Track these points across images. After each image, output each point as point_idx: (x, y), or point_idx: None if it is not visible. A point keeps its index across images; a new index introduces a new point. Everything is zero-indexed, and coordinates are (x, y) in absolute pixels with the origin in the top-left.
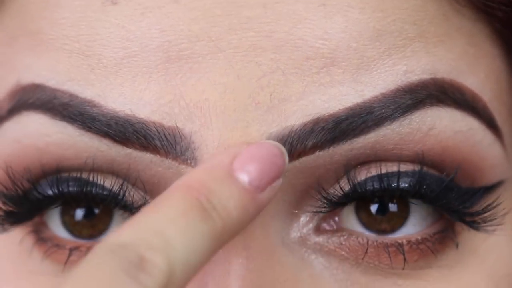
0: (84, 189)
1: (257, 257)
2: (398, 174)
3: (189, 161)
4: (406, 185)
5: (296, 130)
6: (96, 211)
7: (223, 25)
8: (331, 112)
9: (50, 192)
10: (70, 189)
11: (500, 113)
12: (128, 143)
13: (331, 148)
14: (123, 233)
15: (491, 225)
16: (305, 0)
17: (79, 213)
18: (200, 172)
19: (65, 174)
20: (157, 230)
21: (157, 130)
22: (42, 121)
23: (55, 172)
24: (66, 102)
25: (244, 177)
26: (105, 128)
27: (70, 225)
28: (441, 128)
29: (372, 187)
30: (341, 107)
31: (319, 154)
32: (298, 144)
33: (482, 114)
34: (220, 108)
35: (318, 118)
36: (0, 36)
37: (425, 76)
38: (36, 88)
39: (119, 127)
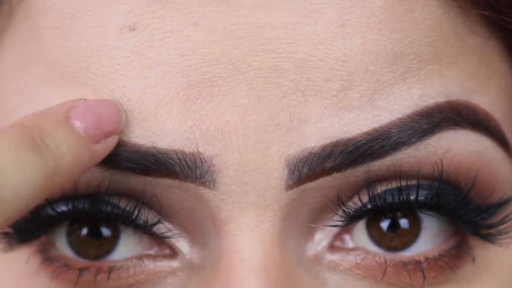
0: (99, 207)
1: (276, 278)
2: (418, 186)
3: (207, 184)
4: (423, 198)
5: (315, 152)
6: (104, 231)
7: (244, 47)
8: (350, 136)
9: (64, 208)
10: (86, 205)
11: (510, 130)
12: (150, 173)
13: (348, 171)
14: None
15: (506, 238)
16: (325, 21)
17: (85, 233)
18: (35, 115)
19: (82, 192)
20: None
21: (178, 158)
22: None
23: (72, 192)
24: None
25: (78, 124)
26: (126, 164)
27: (77, 245)
28: (456, 150)
29: (391, 199)
30: (359, 132)
31: (336, 175)
32: (316, 166)
33: (494, 133)
34: (240, 130)
35: (337, 141)
36: (9, 58)
37: (440, 99)
38: None
39: (141, 160)
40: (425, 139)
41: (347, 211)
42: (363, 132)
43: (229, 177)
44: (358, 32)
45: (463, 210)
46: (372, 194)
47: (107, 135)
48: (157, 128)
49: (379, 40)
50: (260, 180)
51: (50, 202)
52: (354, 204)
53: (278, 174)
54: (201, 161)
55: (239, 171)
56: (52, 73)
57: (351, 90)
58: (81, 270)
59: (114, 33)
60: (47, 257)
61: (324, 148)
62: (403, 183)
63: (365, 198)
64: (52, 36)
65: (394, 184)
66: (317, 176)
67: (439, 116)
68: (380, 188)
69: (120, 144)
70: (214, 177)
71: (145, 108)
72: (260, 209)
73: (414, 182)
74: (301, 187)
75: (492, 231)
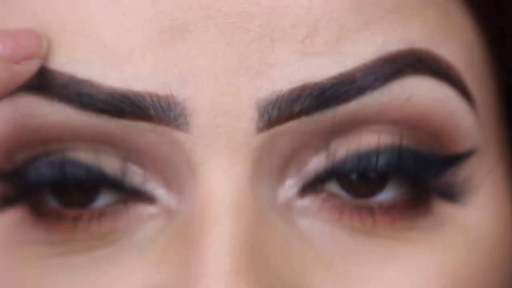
0: (86, 173)
1: (248, 217)
2: (377, 153)
3: (181, 126)
4: (384, 162)
5: (283, 95)
6: (85, 182)
7: None
8: (316, 80)
9: (50, 176)
10: (75, 171)
11: (474, 83)
12: (125, 116)
13: (316, 115)
14: None
15: (465, 196)
16: None
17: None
18: None
19: (69, 157)
20: None
21: (152, 100)
22: (36, 102)
23: (58, 153)
24: (65, 83)
25: None
26: (102, 105)
27: (59, 196)
28: (419, 96)
29: (351, 166)
30: (326, 76)
31: (304, 119)
32: (285, 109)
33: (457, 82)
34: (211, 73)
35: (304, 85)
36: None
37: (402, 46)
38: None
39: (117, 102)
40: (388, 84)
41: (310, 175)
42: (329, 76)
43: (201, 119)
44: None
45: (422, 176)
46: (332, 161)
47: (26, 56)
48: (132, 72)
49: None
50: (231, 123)
51: (36, 167)
52: (316, 170)
53: (248, 116)
54: (175, 103)
55: (211, 113)
56: (30, 23)
57: (316, 37)
58: (74, 219)
59: None
60: (41, 213)
61: (292, 91)
62: (363, 143)
63: (326, 165)
64: None
65: (353, 146)
66: (286, 120)
67: (402, 62)
68: (340, 153)
69: (95, 87)
70: (187, 119)
71: (120, 52)
72: (232, 152)
73: (374, 143)
74: (272, 130)
75: (454, 190)
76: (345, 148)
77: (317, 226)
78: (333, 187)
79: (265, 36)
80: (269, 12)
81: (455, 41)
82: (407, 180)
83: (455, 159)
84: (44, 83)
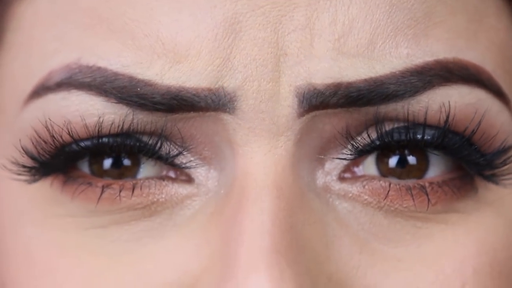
0: (124, 141)
1: (288, 198)
2: (424, 125)
3: (227, 110)
4: (429, 137)
5: (319, 89)
6: (125, 161)
7: None
8: (349, 80)
9: (88, 143)
10: (110, 140)
11: (505, 81)
12: (177, 111)
13: (354, 108)
14: None
15: (509, 178)
16: None
17: (107, 162)
18: None
19: (106, 131)
20: None
21: (204, 95)
22: (93, 101)
23: (96, 131)
24: (124, 85)
25: None
26: (157, 105)
27: (98, 174)
28: (451, 104)
29: (399, 137)
30: (358, 78)
31: (342, 110)
32: (322, 100)
33: (488, 84)
34: (259, 61)
35: (339, 83)
36: (44, 5)
37: (428, 58)
38: (97, 70)
39: (170, 100)
40: (418, 95)
41: (355, 145)
42: (361, 79)
43: (248, 105)
44: None
45: (467, 151)
46: (380, 131)
47: None
48: (188, 69)
49: None
50: (274, 108)
51: (76, 140)
52: (363, 139)
53: (289, 102)
54: (225, 94)
55: (257, 99)
56: (90, 20)
57: (350, 37)
58: (104, 188)
59: None
60: (70, 177)
61: (327, 86)
62: (411, 122)
63: (373, 135)
64: None
65: (402, 123)
66: (324, 108)
67: (429, 74)
68: (388, 126)
69: (153, 87)
70: (235, 104)
71: (177, 51)
72: (274, 135)
73: (421, 121)
74: (312, 113)
75: (495, 171)
76: (392, 124)
77: (357, 209)
78: (372, 171)
79: (307, 27)
80: (314, 3)
81: (483, 43)
82: (450, 165)
83: (492, 154)
84: (104, 83)
